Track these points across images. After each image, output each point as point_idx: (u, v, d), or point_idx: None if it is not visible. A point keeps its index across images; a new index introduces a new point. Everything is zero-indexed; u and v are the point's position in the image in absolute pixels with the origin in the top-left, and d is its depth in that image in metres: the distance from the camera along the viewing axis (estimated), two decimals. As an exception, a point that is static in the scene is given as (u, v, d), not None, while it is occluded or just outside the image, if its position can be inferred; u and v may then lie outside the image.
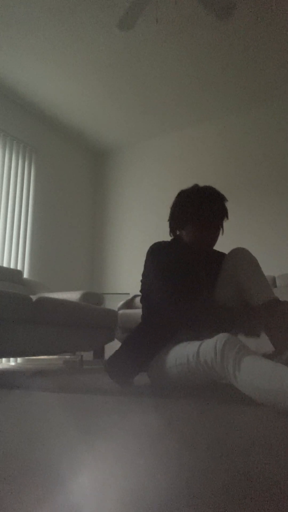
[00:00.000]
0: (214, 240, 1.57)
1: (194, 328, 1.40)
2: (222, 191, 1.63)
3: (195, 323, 1.41)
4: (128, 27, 2.81)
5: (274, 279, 3.45)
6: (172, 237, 1.66)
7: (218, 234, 1.58)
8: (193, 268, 1.57)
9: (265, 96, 4.06)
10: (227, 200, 1.56)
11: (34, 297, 2.33)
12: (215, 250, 1.67)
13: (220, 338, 1.19)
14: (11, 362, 3.58)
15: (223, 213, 1.55)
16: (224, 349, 1.15)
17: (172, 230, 1.64)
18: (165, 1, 2.91)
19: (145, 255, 1.62)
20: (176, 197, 1.63)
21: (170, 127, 4.67)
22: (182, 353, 1.32)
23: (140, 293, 1.72)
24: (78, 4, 2.96)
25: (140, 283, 1.67)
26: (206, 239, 1.54)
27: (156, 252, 1.57)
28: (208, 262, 1.63)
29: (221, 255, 1.66)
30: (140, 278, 1.66)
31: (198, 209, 1.52)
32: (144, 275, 1.62)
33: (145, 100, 4.15)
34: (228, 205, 1.58)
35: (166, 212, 1.69)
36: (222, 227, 1.59)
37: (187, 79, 3.81)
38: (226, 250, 1.65)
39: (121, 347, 1.57)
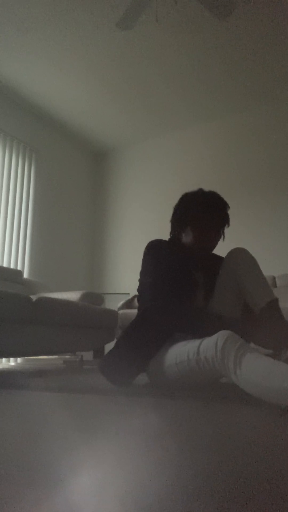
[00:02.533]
0: (212, 245, 1.59)
1: (184, 332, 1.40)
2: (222, 191, 1.64)
3: (185, 327, 1.41)
4: (128, 27, 2.81)
5: (274, 279, 3.45)
6: (172, 237, 1.67)
7: (218, 239, 1.60)
8: (188, 269, 1.58)
9: (265, 96, 4.06)
10: (229, 208, 1.58)
11: (34, 297, 2.33)
12: (214, 254, 1.69)
13: (221, 336, 1.18)
14: (11, 362, 3.58)
15: (225, 220, 1.57)
16: (225, 346, 1.15)
17: (173, 230, 1.66)
18: (165, 1, 2.91)
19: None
20: (180, 198, 1.65)
21: (170, 127, 4.67)
22: (182, 351, 1.32)
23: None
24: (78, 3, 2.96)
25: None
26: (205, 243, 1.56)
27: (153, 250, 1.58)
28: (206, 264, 1.64)
29: (219, 258, 1.67)
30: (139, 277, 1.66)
31: (200, 213, 1.54)
32: (141, 273, 1.63)
33: (145, 100, 4.15)
34: (228, 204, 1.59)
35: (166, 212, 1.70)
36: (223, 233, 1.60)
37: (187, 79, 3.81)
38: (225, 250, 1.66)
39: (116, 347, 1.56)
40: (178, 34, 3.26)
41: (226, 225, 1.60)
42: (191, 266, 1.59)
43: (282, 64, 3.59)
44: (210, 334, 1.25)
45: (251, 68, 3.64)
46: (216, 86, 3.91)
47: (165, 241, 1.64)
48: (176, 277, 1.51)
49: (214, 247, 1.60)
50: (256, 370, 1.06)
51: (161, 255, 1.56)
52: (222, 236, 1.62)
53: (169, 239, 1.68)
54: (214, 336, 1.20)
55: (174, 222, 1.65)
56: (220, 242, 1.63)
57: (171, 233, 1.68)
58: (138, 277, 1.67)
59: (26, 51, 3.45)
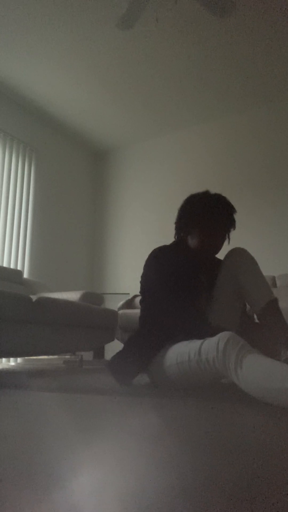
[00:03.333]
0: (218, 248, 1.58)
1: (186, 335, 1.40)
2: (222, 191, 1.63)
3: (187, 331, 1.41)
4: (128, 26, 2.81)
5: (274, 279, 3.45)
6: (176, 239, 1.67)
7: (223, 243, 1.59)
8: (194, 273, 1.58)
9: (265, 96, 4.06)
10: (236, 211, 1.57)
11: (34, 297, 2.33)
12: (214, 257, 1.69)
13: (222, 336, 1.19)
14: (11, 362, 3.58)
15: (231, 224, 1.56)
16: (227, 347, 1.15)
17: (178, 232, 1.65)
18: (165, 1, 2.91)
19: (145, 256, 1.63)
20: (186, 200, 1.63)
21: (170, 127, 4.67)
22: (183, 351, 1.33)
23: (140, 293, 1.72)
24: (78, 3, 2.96)
25: (139, 284, 1.67)
26: (211, 246, 1.55)
27: (158, 258, 1.57)
28: (208, 266, 1.64)
29: (218, 261, 1.68)
30: (140, 278, 1.66)
31: (208, 217, 1.53)
32: (144, 278, 1.62)
33: (145, 100, 4.15)
34: (235, 208, 1.59)
35: (166, 212, 1.69)
36: (228, 236, 1.60)
37: (187, 79, 3.81)
38: (226, 250, 1.66)
39: (123, 348, 1.59)
40: (178, 34, 3.26)
41: (232, 229, 1.59)
42: (196, 269, 1.59)
43: (282, 64, 3.58)
44: (211, 336, 1.25)
45: (251, 68, 3.64)
46: (216, 86, 3.91)
47: (168, 246, 1.64)
48: (182, 281, 1.51)
49: (219, 250, 1.60)
50: (257, 370, 1.07)
51: (166, 260, 1.56)
52: (228, 239, 1.62)
53: (174, 242, 1.68)
54: (216, 337, 1.21)
55: (180, 225, 1.63)
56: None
57: (175, 235, 1.67)
58: (139, 277, 1.67)
59: (26, 51, 3.45)
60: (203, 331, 1.33)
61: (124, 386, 1.56)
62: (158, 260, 1.57)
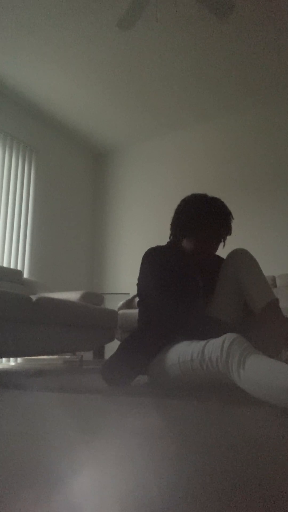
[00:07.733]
0: (213, 252, 1.59)
1: (189, 336, 1.40)
2: (222, 191, 1.63)
3: (189, 332, 1.41)
4: (128, 26, 2.81)
5: (274, 279, 3.45)
6: (171, 240, 1.67)
7: (218, 247, 1.60)
8: (189, 273, 1.58)
9: (265, 96, 4.06)
10: (233, 218, 1.57)
11: (34, 297, 2.33)
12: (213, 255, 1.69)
13: (228, 337, 1.19)
14: (11, 362, 3.58)
15: (228, 230, 1.57)
16: (231, 347, 1.16)
17: (173, 234, 1.64)
18: (165, 1, 2.91)
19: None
20: (184, 203, 1.62)
21: (170, 127, 4.67)
22: (186, 351, 1.32)
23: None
24: (78, 4, 2.96)
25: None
26: (206, 250, 1.55)
27: (152, 258, 1.57)
28: (205, 267, 1.64)
29: (218, 258, 1.67)
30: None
31: (204, 223, 1.53)
32: (139, 279, 1.62)
33: (145, 100, 4.15)
34: (228, 205, 1.59)
35: (166, 212, 1.69)
36: (224, 241, 1.61)
37: (187, 79, 3.81)
38: (226, 250, 1.66)
39: (117, 351, 1.56)
40: (178, 34, 3.26)
41: (228, 235, 1.60)
42: (191, 269, 1.59)
43: (282, 64, 3.58)
44: (213, 337, 1.25)
45: (251, 68, 3.64)
46: (216, 86, 3.91)
47: (162, 246, 1.64)
48: (178, 281, 1.51)
49: (213, 254, 1.61)
50: (259, 369, 1.07)
51: (161, 261, 1.56)
52: (223, 244, 1.62)
53: (168, 243, 1.67)
54: (221, 337, 1.21)
55: (176, 227, 1.63)
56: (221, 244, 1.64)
57: (170, 236, 1.67)
58: (138, 276, 1.67)
59: (26, 51, 3.45)
60: (207, 329, 1.33)
61: (120, 388, 1.54)
62: (152, 261, 1.56)
